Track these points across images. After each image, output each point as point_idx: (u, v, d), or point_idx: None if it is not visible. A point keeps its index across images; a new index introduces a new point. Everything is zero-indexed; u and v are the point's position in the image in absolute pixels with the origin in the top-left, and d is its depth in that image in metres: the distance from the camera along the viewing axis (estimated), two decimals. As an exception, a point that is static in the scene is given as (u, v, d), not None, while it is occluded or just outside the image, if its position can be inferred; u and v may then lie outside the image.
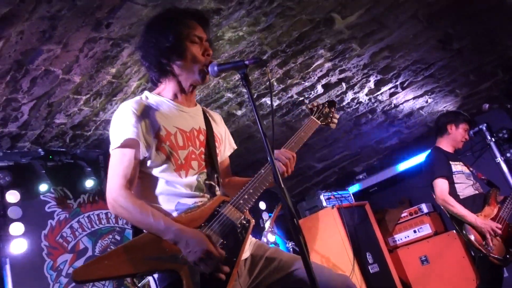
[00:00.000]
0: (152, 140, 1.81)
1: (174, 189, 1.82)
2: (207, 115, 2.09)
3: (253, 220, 1.85)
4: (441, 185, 3.78)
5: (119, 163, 1.76)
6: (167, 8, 2.06)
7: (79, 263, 4.24)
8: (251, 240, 1.97)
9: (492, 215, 3.66)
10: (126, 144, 1.77)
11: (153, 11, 2.83)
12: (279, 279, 1.87)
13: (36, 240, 4.09)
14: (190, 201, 1.81)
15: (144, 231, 1.73)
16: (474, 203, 3.74)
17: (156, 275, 1.71)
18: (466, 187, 3.84)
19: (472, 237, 3.55)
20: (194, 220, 1.72)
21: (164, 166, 1.82)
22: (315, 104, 2.29)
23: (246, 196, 1.82)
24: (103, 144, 4.31)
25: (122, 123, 1.81)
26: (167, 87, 1.96)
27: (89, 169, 4.42)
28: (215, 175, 1.93)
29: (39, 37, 2.79)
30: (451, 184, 3.82)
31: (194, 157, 1.89)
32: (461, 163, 4.03)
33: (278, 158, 1.93)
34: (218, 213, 1.76)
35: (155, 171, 1.83)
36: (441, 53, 4.18)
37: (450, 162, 3.93)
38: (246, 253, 1.90)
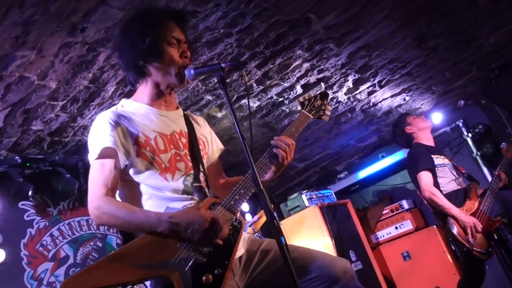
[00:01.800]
0: (131, 147, 1.80)
1: (162, 194, 1.80)
2: (189, 118, 2.07)
3: (245, 221, 1.84)
4: (425, 178, 3.81)
5: (99, 173, 1.74)
6: (145, 8, 2.04)
7: (60, 271, 4.18)
8: (244, 237, 1.96)
9: (473, 209, 3.71)
10: (104, 154, 1.75)
11: (129, 15, 2.80)
12: (278, 269, 1.85)
13: (16, 250, 4.01)
14: (179, 205, 1.79)
15: (136, 234, 1.71)
16: (457, 198, 3.79)
17: (148, 282, 1.69)
18: (449, 182, 3.89)
19: (455, 231, 3.60)
20: None
21: (148, 171, 1.81)
22: (307, 97, 2.24)
23: (237, 197, 1.79)
24: (82, 149, 4.24)
25: (98, 133, 1.79)
26: (145, 91, 1.94)
27: (68, 175, 4.36)
28: (203, 177, 1.91)
29: (12, 43, 2.74)
30: (435, 178, 3.87)
31: (179, 159, 1.87)
32: (442, 156, 4.08)
33: (277, 145, 1.92)
34: None
35: (140, 178, 1.81)
36: (417, 51, 4.24)
37: (432, 156, 3.97)
38: (240, 251, 1.89)
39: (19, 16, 2.55)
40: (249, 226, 4.38)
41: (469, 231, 3.56)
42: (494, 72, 4.81)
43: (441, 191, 3.82)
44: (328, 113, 2.28)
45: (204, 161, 1.99)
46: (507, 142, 4.13)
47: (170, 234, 1.64)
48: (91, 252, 4.43)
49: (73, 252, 4.34)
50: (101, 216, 1.69)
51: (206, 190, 1.88)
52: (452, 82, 5.00)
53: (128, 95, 3.50)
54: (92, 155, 1.78)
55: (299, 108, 2.28)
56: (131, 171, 1.81)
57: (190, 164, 1.89)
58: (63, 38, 2.85)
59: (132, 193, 1.83)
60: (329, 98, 2.31)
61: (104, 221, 1.70)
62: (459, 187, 3.88)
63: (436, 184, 3.83)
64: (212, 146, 2.14)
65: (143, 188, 1.82)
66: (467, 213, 3.68)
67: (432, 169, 3.86)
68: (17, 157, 4.06)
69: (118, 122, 1.81)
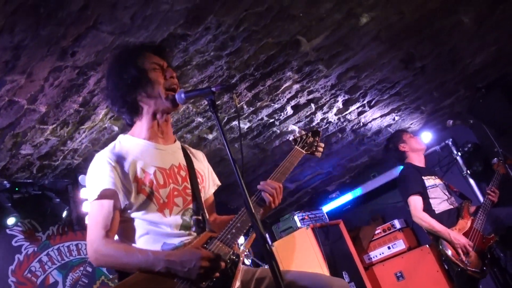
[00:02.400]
0: (131, 185, 1.79)
1: (159, 229, 1.78)
2: (188, 151, 2.07)
3: (243, 255, 1.82)
4: (414, 202, 3.83)
5: (98, 215, 1.73)
6: (120, 49, 2.06)
7: (49, 298, 4.09)
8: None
9: (466, 228, 3.71)
10: (103, 195, 1.74)
11: (118, 39, 2.82)
12: None
13: (3, 277, 3.94)
14: (176, 241, 1.77)
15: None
16: (449, 218, 3.80)
17: None
18: (441, 202, 3.90)
19: (449, 252, 3.60)
20: None
21: (146, 208, 1.79)
22: (299, 134, 2.30)
23: (234, 231, 1.78)
24: (71, 173, 4.21)
25: (97, 173, 1.79)
26: (142, 125, 1.93)
27: (57, 199, 4.31)
28: (201, 211, 1.89)
29: (1, 68, 2.74)
30: (426, 199, 3.88)
31: (177, 194, 1.86)
32: (433, 176, 4.09)
33: (264, 189, 1.92)
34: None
35: (138, 215, 1.80)
36: (405, 72, 4.30)
37: (423, 177, 3.99)
38: (236, 284, 1.87)
39: (9, 41, 2.56)
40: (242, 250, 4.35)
41: (460, 252, 3.56)
42: (481, 91, 4.88)
43: (433, 210, 3.83)
44: (321, 149, 2.35)
45: (202, 195, 1.98)
46: (498, 158, 4.17)
47: (167, 273, 1.63)
48: (80, 278, 4.35)
49: (62, 278, 4.26)
50: (99, 258, 1.69)
51: (204, 225, 1.86)
52: (440, 101, 5.07)
53: (118, 118, 3.51)
54: (91, 196, 1.77)
55: (291, 137, 2.32)
56: (129, 208, 1.80)
57: (189, 199, 1.88)
58: (53, 62, 2.86)
59: (128, 228, 1.82)
60: (320, 136, 2.38)
61: (102, 263, 1.71)
62: (452, 207, 3.90)
63: (428, 205, 3.84)
64: (208, 181, 2.13)
65: (140, 223, 1.81)
66: (460, 232, 3.68)
67: (422, 192, 3.88)
68: (5, 182, 4.01)
69: (117, 161, 1.80)
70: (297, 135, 2.30)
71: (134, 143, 1.90)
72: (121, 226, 1.82)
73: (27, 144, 3.62)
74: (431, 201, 3.88)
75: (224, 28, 3.10)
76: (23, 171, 3.98)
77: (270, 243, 5.24)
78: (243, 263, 4.64)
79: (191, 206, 1.86)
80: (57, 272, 4.26)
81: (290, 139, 2.30)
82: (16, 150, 3.64)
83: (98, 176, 1.78)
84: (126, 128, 2.12)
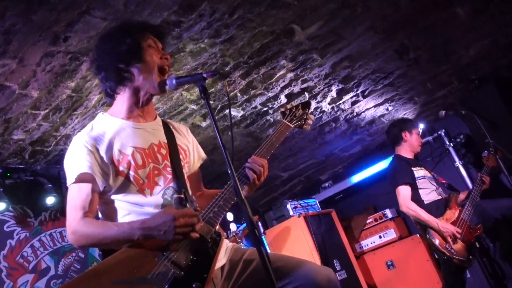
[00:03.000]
0: (109, 168, 1.78)
1: (141, 209, 1.79)
2: (170, 127, 2.04)
3: (224, 233, 1.82)
4: (403, 192, 3.88)
5: (76, 198, 1.74)
6: (122, 21, 2.05)
7: (41, 283, 4.10)
8: (227, 246, 1.95)
9: (453, 218, 3.77)
10: (81, 179, 1.75)
11: (111, 24, 2.80)
12: (260, 278, 1.82)
13: (-5, 261, 3.94)
14: None
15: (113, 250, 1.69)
16: (438, 208, 3.85)
17: None
18: (430, 192, 3.95)
19: (436, 241, 3.66)
20: None
21: (126, 189, 1.80)
22: (288, 106, 2.25)
23: (216, 209, 1.78)
24: (64, 159, 4.20)
25: (74, 157, 1.79)
26: (123, 102, 1.91)
27: (50, 185, 4.31)
28: (183, 189, 1.88)
29: (-8, 52, 2.72)
30: (415, 190, 3.92)
31: (157, 173, 1.85)
32: (423, 168, 4.15)
33: (250, 166, 1.91)
34: None
35: (119, 196, 1.81)
36: (399, 62, 4.30)
37: (412, 168, 4.03)
38: (221, 261, 1.88)
39: (0, 25, 2.53)
40: (233, 235, 4.38)
41: (449, 240, 3.62)
42: (475, 83, 4.89)
43: (422, 200, 3.87)
44: (310, 122, 2.28)
45: (185, 171, 1.97)
46: (488, 151, 4.21)
47: (146, 242, 1.64)
48: (72, 263, 4.37)
49: (54, 263, 4.27)
50: (78, 238, 1.70)
51: (185, 202, 1.86)
52: (434, 92, 5.08)
53: (111, 104, 3.49)
54: (69, 180, 1.78)
55: (281, 110, 2.27)
56: (109, 190, 1.80)
57: (170, 177, 1.87)
58: (46, 48, 2.83)
59: (110, 209, 1.82)
60: (311, 107, 2.32)
61: (82, 243, 1.71)
62: (440, 197, 3.95)
63: (417, 196, 3.89)
64: (194, 155, 2.12)
65: (121, 204, 1.81)
66: (447, 222, 3.73)
67: (411, 182, 3.93)
68: (-3, 167, 4.00)
69: (94, 144, 1.80)
70: (287, 107, 2.25)
71: (111, 124, 1.89)
72: (104, 208, 1.84)
73: (19, 130, 3.60)
74: (420, 191, 3.93)
75: (218, 15, 3.09)
76: (15, 157, 3.97)
77: (261, 230, 5.27)
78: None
79: (172, 184, 1.86)
80: (49, 257, 4.27)
81: (280, 111, 2.23)
82: (7, 136, 3.62)
83: (75, 160, 1.78)
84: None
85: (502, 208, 3.86)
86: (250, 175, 1.90)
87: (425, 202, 3.87)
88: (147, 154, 1.86)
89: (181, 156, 1.97)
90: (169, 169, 1.89)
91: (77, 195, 1.74)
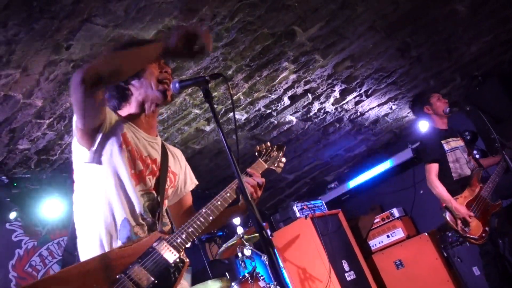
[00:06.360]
0: (117, 132, 1.77)
1: (125, 196, 1.77)
2: (166, 149, 2.04)
3: (188, 261, 1.78)
4: (430, 169, 3.93)
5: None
6: (124, 41, 2.06)
7: (50, 291, 4.11)
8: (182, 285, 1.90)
9: (472, 196, 3.81)
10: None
11: (113, 32, 2.81)
12: None
13: (4, 272, 3.95)
14: (133, 223, 1.75)
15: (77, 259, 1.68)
16: (463, 186, 3.88)
17: None
18: (461, 166, 3.93)
19: (448, 218, 3.75)
20: (127, 256, 1.66)
21: (123, 161, 1.77)
22: (264, 146, 2.27)
23: (184, 236, 1.76)
24: (70, 167, 4.21)
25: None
26: (129, 111, 1.91)
27: (56, 193, 4.32)
28: (158, 209, 1.85)
29: (-4, 62, 2.74)
30: (444, 165, 3.93)
31: (148, 174, 1.85)
32: (454, 138, 4.07)
33: (248, 181, 1.94)
34: (153, 250, 1.69)
35: (112, 162, 1.76)
36: (401, 61, 4.30)
37: (442, 142, 4.00)
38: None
39: (2, 35, 2.55)
40: (239, 238, 4.36)
41: (459, 223, 3.69)
42: (478, 79, 4.87)
43: (452, 177, 3.89)
44: (281, 165, 2.31)
45: (166, 194, 1.95)
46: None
47: (115, 255, 1.63)
48: (81, 271, 4.37)
49: (63, 271, 4.28)
50: (89, 68, 1.57)
51: (157, 223, 1.82)
52: (437, 90, 5.05)
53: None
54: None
55: (257, 148, 2.28)
56: (104, 158, 1.76)
57: (153, 189, 1.86)
58: (48, 56, 2.85)
59: (93, 190, 1.78)
60: (284, 150, 2.34)
61: (99, 69, 1.60)
62: (468, 174, 3.92)
63: (447, 171, 3.90)
64: (183, 180, 2.12)
65: (109, 179, 1.77)
66: (465, 199, 3.77)
67: (439, 159, 3.93)
68: (3, 177, 4.01)
69: (112, 113, 1.82)
70: (263, 146, 2.28)
71: (122, 121, 1.86)
72: (87, 185, 1.80)
73: (24, 139, 3.62)
74: (451, 165, 3.92)
75: (219, 19, 3.10)
76: (21, 166, 3.99)
77: (269, 232, 5.26)
78: (243, 255, 4.66)
79: (151, 195, 1.84)
80: (58, 266, 4.27)
81: (256, 149, 2.26)
82: (13, 145, 3.64)
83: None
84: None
85: None
86: (249, 189, 1.92)
87: (454, 179, 3.89)
88: (141, 159, 1.85)
89: (168, 180, 1.95)
90: (154, 183, 1.87)
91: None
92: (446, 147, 3.99)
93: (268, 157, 2.25)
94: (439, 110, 4.11)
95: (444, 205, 3.87)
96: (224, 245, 4.37)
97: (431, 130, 4.16)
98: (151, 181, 1.86)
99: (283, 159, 2.32)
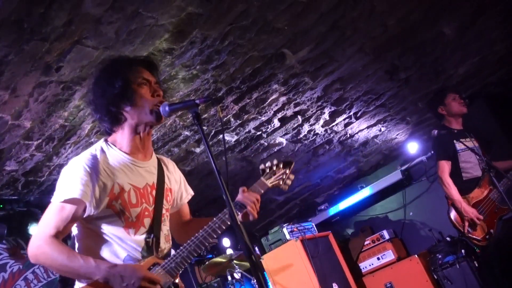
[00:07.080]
0: (104, 198, 1.77)
1: (123, 244, 1.78)
2: (162, 164, 2.06)
3: (183, 285, 1.81)
4: (441, 167, 3.93)
5: (55, 216, 1.72)
6: (112, 59, 2.07)
7: (35, 317, 4.01)
8: None
9: (480, 197, 3.81)
10: (69, 201, 1.73)
11: (104, 53, 2.82)
12: None
13: (-13, 296, 3.85)
14: (138, 255, 1.79)
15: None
16: (471, 187, 3.88)
17: None
18: (473, 166, 3.91)
19: (452, 216, 3.80)
20: None
21: (112, 222, 1.79)
22: (268, 164, 2.17)
23: (178, 260, 1.80)
24: (60, 173, 4.16)
25: (71, 179, 1.76)
26: (122, 137, 1.91)
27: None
28: (157, 235, 1.88)
29: (-15, 83, 2.72)
30: (455, 164, 3.93)
31: (147, 214, 1.86)
32: (467, 139, 3.99)
33: (244, 202, 1.93)
34: None
35: (100, 226, 1.79)
36: (390, 83, 4.35)
37: (455, 142, 3.97)
38: None
39: (-8, 56, 2.54)
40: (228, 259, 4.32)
41: (466, 224, 3.70)
42: (465, 101, 4.92)
43: (462, 177, 3.89)
44: (289, 182, 2.21)
45: (164, 217, 1.96)
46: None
47: (105, 285, 1.63)
48: (67, 296, 4.28)
49: (48, 296, 4.18)
50: (39, 255, 1.68)
51: (153, 248, 1.84)
52: (425, 112, 5.11)
53: (104, 133, 3.49)
54: (56, 197, 1.75)
55: (261, 167, 2.17)
56: (95, 219, 1.78)
57: (151, 220, 1.88)
58: (38, 78, 2.84)
59: (85, 235, 1.81)
60: (292, 167, 2.21)
61: (41, 261, 1.69)
62: (479, 174, 3.89)
63: (457, 170, 3.90)
64: (179, 193, 2.14)
65: (100, 233, 1.79)
66: (473, 200, 3.78)
67: (451, 157, 3.93)
68: (-11, 199, 3.95)
69: (95, 171, 1.78)
70: (268, 165, 2.18)
71: (115, 155, 1.88)
72: (79, 231, 1.82)
73: (12, 160, 3.58)
74: (462, 165, 3.91)
75: (210, 42, 3.12)
76: (8, 188, 3.93)
77: (256, 253, 5.21)
78: (233, 279, 4.60)
79: (151, 227, 1.86)
80: (43, 290, 4.18)
81: (260, 168, 2.17)
82: (0, 167, 3.59)
83: (71, 181, 1.75)
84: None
85: None
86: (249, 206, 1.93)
87: (464, 179, 3.88)
88: (141, 194, 1.86)
89: (165, 201, 1.97)
90: (152, 213, 1.89)
91: (57, 214, 1.71)
92: (458, 146, 3.99)
93: (272, 175, 2.18)
94: (454, 110, 4.08)
95: (450, 203, 3.88)
96: (209, 261, 4.36)
97: (443, 130, 4.06)
98: (151, 216, 1.87)
99: (291, 176, 2.21)
